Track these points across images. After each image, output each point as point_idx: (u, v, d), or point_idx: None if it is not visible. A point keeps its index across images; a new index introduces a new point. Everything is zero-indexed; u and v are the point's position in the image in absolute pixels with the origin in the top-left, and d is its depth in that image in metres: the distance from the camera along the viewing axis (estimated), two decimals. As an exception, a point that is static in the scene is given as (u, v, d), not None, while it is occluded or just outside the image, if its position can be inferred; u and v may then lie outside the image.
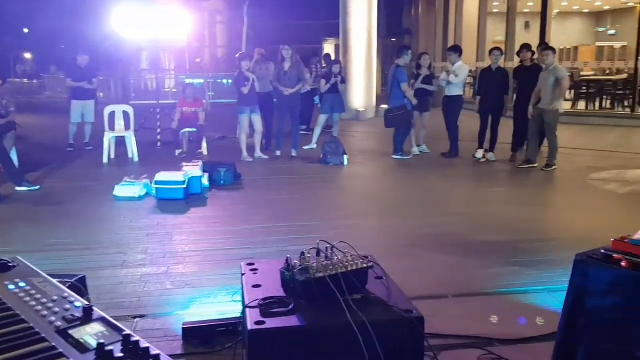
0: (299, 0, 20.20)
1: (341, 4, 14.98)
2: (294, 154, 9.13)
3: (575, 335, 2.09)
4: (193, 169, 6.69)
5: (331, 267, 2.21)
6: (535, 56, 8.70)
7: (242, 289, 2.38)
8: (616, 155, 9.07)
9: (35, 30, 27.95)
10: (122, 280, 4.02)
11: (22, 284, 1.55)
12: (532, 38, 14.40)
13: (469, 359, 2.90)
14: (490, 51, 9.04)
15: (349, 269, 2.24)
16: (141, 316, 3.42)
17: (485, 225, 5.41)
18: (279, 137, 9.32)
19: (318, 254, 2.32)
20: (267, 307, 2.12)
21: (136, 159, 8.85)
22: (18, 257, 1.75)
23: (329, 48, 24.65)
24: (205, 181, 6.81)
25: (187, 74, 21.34)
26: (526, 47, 8.83)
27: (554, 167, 7.98)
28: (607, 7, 26.45)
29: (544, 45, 8.79)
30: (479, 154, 8.85)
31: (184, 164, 6.99)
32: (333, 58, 13.38)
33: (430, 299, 3.64)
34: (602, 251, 2.09)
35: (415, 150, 9.44)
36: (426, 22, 21.90)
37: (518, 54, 9.17)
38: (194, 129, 9.42)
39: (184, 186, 6.35)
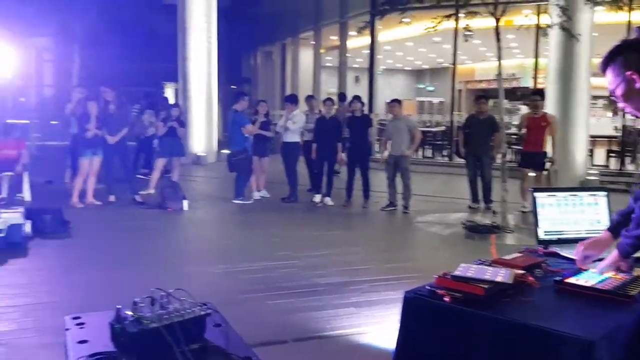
0: (136, 42, 19.77)
1: (179, 48, 14.90)
2: (139, 199, 8.75)
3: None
4: (13, 216, 6.05)
5: (166, 317, 2.09)
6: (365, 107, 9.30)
7: (66, 346, 2.16)
8: (438, 199, 9.94)
9: None
10: None
11: None
12: (362, 91, 15.48)
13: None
14: (324, 101, 9.53)
15: (186, 317, 2.14)
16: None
17: (323, 267, 5.55)
18: (111, 182, 8.84)
19: (152, 303, 2.19)
20: (94, 364, 1.93)
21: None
22: None
23: (168, 92, 24.26)
24: (27, 229, 6.19)
25: (11, 113, 19.46)
26: (357, 98, 9.41)
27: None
28: (425, 66, 29.47)
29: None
30: (317, 198, 9.15)
31: (2, 210, 6.31)
32: (172, 102, 13.22)
33: (271, 345, 3.62)
34: (428, 287, 2.24)
35: (256, 194, 9.51)
36: (264, 72, 22.59)
37: (350, 104, 9.74)
38: (11, 172, 8.56)
39: (2, 235, 5.74)
